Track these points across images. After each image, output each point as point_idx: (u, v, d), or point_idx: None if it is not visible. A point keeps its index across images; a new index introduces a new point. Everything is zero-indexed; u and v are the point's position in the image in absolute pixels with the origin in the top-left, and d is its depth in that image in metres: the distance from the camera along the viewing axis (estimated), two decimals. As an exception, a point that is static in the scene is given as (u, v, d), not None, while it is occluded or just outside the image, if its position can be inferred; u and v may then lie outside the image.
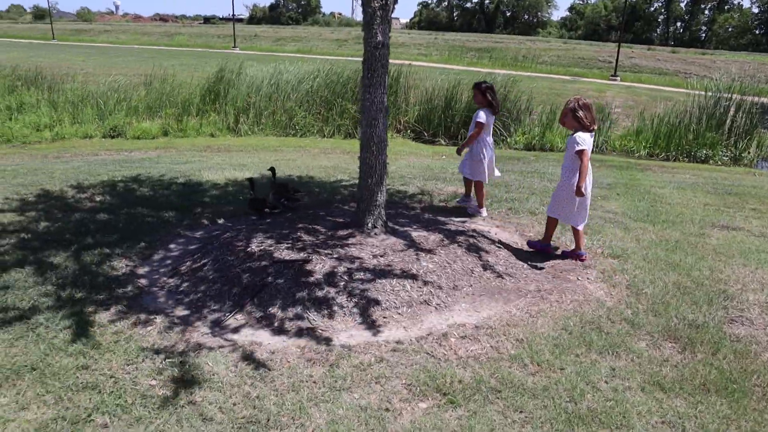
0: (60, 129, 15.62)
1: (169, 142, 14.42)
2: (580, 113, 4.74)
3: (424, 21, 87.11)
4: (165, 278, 4.32)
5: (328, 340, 3.50)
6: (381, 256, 4.33)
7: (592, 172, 4.90)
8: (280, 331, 3.59)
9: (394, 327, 3.69)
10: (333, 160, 10.45)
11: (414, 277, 4.15)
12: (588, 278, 4.68)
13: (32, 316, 3.64)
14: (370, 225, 4.76)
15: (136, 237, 5.14)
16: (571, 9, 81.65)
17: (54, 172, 8.28)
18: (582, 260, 5.02)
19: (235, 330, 3.59)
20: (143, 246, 4.93)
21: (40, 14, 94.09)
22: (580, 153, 4.69)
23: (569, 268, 4.87)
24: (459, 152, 6.39)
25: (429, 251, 4.55)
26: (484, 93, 5.92)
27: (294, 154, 11.61)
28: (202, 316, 3.74)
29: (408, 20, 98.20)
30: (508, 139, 15.45)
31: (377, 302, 3.84)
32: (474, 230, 5.40)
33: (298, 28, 59.87)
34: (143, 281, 4.27)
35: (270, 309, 3.75)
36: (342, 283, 3.96)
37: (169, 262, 4.64)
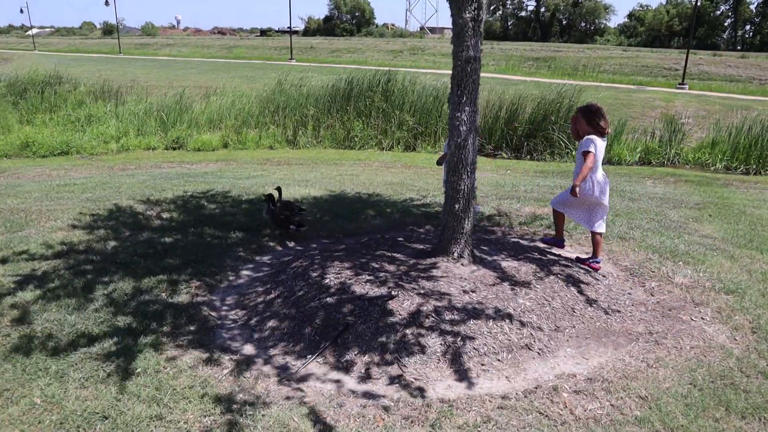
0: (125, 141, 15.90)
1: (229, 155, 14.43)
2: (595, 119, 4.66)
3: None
4: (236, 310, 4.03)
5: (422, 392, 3.10)
6: (472, 292, 3.91)
7: (608, 180, 4.81)
8: (366, 378, 3.21)
9: (494, 376, 3.26)
10: (397, 175, 10.10)
11: (510, 316, 3.71)
12: (703, 318, 4.13)
13: (99, 352, 3.39)
14: (456, 254, 4.35)
15: (204, 261, 4.89)
16: (630, 16, 79.19)
17: (120, 186, 8.23)
18: (595, 269, 4.81)
19: (311, 378, 3.23)
20: (212, 271, 4.67)
21: (108, 30, 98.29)
22: (586, 155, 4.59)
23: (678, 305, 4.33)
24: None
25: (524, 285, 4.10)
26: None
27: (355, 168, 11.31)
28: (277, 359, 3.41)
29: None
30: (573, 153, 14.78)
31: (474, 346, 3.42)
32: (566, 259, 4.91)
33: (352, 40, 60.15)
34: (213, 313, 3.99)
35: (353, 353, 3.38)
36: (432, 324, 3.56)
37: (238, 291, 4.36)
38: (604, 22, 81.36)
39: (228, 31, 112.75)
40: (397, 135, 15.15)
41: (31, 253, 5.12)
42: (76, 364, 3.26)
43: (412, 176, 9.87)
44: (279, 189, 5.96)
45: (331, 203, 6.94)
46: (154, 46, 59.75)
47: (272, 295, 4.08)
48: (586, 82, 26.45)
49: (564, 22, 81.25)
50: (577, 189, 4.59)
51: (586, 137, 4.67)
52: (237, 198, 7.32)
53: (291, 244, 5.40)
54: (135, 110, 17.48)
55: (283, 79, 17.80)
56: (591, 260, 4.88)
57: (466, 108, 4.16)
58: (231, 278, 4.57)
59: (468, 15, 4.07)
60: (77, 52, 55.82)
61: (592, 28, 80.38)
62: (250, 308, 3.99)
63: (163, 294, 4.20)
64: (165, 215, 6.48)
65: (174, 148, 15.59)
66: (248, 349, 3.51)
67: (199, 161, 13.15)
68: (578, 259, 4.97)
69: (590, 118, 4.67)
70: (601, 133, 4.67)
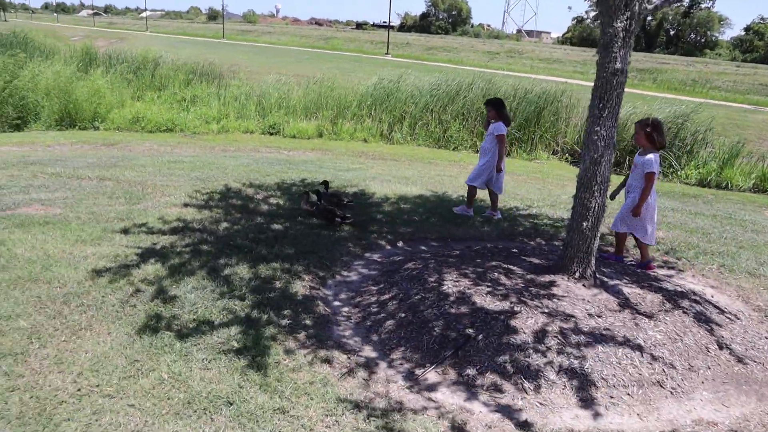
0: (226, 122, 16.47)
1: (324, 144, 14.63)
2: (654, 134, 4.76)
3: (577, 37, 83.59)
4: (349, 307, 4.00)
5: (547, 418, 2.93)
6: (598, 317, 3.69)
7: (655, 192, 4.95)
8: (487, 396, 3.08)
9: (624, 412, 3.05)
10: (495, 180, 9.85)
11: (640, 348, 3.47)
12: None
13: (221, 335, 3.45)
14: (577, 274, 4.13)
15: (315, 252, 4.91)
16: (747, 29, 73.99)
17: (226, 167, 8.48)
18: (650, 269, 5.00)
19: (435, 388, 3.14)
20: (323, 264, 4.67)
21: (213, 15, 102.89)
22: (649, 175, 4.74)
23: (825, 356, 3.91)
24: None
25: (650, 316, 3.83)
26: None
27: (450, 168, 11.16)
28: (395, 364, 3.34)
29: (560, 35, 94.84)
30: (679, 172, 13.95)
31: (602, 376, 3.22)
32: (693, 291, 4.57)
33: (448, 38, 59.73)
34: (327, 308, 3.98)
35: (472, 369, 3.26)
36: (557, 346, 3.38)
37: (351, 287, 4.33)
38: (717, 35, 76.54)
39: (324, 22, 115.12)
40: (494, 139, 14.87)
41: (149, 227, 5.33)
42: (199, 344, 3.33)
43: (511, 183, 9.60)
44: (326, 183, 6.16)
45: (436, 204, 6.83)
46: (254, 33, 61.84)
47: (386, 296, 4.03)
48: (694, 98, 24.95)
49: (671, 33, 77.18)
50: (641, 210, 4.83)
51: (651, 155, 4.78)
52: (343, 189, 7.35)
53: (399, 244, 5.34)
54: (236, 94, 18.08)
55: (381, 73, 17.87)
56: (644, 264, 5.06)
57: (607, 123, 3.93)
58: (343, 273, 4.56)
59: (619, 24, 3.83)
60: (184, 35, 58.65)
61: (703, 40, 75.83)
62: (365, 307, 3.95)
63: (278, 282, 4.24)
64: (272, 200, 6.60)
65: (270, 134, 15.99)
66: (366, 350, 3.47)
67: (295, 148, 13.41)
68: (639, 265, 5.07)
69: (651, 132, 4.78)
70: (659, 149, 4.84)
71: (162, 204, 6.15)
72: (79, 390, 2.87)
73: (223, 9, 75.88)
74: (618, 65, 3.86)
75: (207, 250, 4.79)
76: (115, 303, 3.78)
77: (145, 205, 6.08)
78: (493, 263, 4.45)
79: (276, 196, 6.83)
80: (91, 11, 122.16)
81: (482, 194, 7.06)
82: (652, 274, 4.92)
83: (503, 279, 4.11)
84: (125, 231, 5.18)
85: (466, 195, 6.81)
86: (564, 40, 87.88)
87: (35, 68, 16.45)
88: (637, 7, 3.81)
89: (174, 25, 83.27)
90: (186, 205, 6.13)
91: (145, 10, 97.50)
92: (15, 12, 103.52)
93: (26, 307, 3.68)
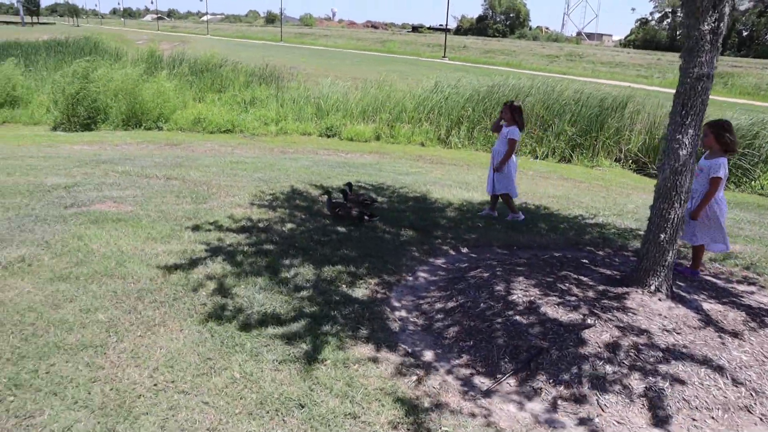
0: (284, 124, 16.75)
1: (381, 147, 14.69)
2: (726, 135, 4.54)
3: (640, 40, 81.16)
4: (415, 313, 3.98)
5: (625, 438, 2.83)
6: (675, 333, 3.54)
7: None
8: (555, 411, 3.00)
9: (708, 436, 2.91)
10: (557, 187, 9.66)
11: (722, 369, 3.30)
12: None
13: (290, 336, 3.49)
14: (653, 287, 3.98)
15: (378, 256, 4.91)
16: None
17: (288, 169, 8.62)
18: (696, 276, 4.85)
19: (507, 399, 3.07)
20: (387, 268, 4.67)
21: (271, 18, 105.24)
22: (715, 180, 4.53)
23: None
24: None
25: (734, 335, 3.65)
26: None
27: (511, 174, 10.98)
28: (464, 373, 3.29)
29: (622, 38, 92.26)
30: (753, 183, 13.31)
31: (683, 396, 3.08)
32: (778, 309, 4.32)
33: (505, 41, 59.06)
34: (393, 313, 3.97)
35: (543, 380, 3.18)
36: (632, 362, 3.26)
37: (415, 293, 4.31)
38: (795, 37, 72.76)
39: (380, 25, 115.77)
40: (553, 144, 14.56)
41: (216, 226, 5.47)
42: (268, 345, 3.38)
43: (574, 190, 9.39)
44: (349, 184, 6.32)
45: (499, 211, 6.74)
46: (311, 36, 62.87)
47: (453, 303, 3.99)
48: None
49: (744, 34, 73.90)
50: (699, 214, 4.66)
51: (718, 159, 4.59)
52: (402, 193, 7.37)
53: (464, 250, 5.29)
54: (294, 96, 18.39)
55: (439, 77, 17.82)
56: (692, 271, 4.92)
57: (689, 130, 3.77)
58: (408, 279, 4.55)
59: (706, 27, 3.67)
60: (243, 38, 60.22)
61: (779, 43, 72.25)
62: (431, 314, 3.93)
63: (343, 286, 4.27)
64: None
65: (328, 136, 16.18)
66: (435, 357, 3.43)
67: (353, 151, 13.51)
68: (688, 271, 4.94)
69: (721, 133, 4.56)
70: (731, 152, 4.64)
71: (227, 204, 6.30)
72: (155, 385, 2.95)
73: (281, 12, 77.56)
74: (704, 69, 3.70)
75: (272, 250, 4.87)
76: (186, 300, 3.88)
77: (211, 205, 6.24)
78: (563, 273, 4.34)
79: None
80: (155, 15, 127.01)
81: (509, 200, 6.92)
82: (727, 286, 4.70)
83: (574, 290, 4.00)
84: (193, 229, 5.32)
85: (529, 202, 6.69)
86: (627, 43, 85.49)
87: (107, 72, 17.17)
88: (726, 9, 3.65)
89: (233, 28, 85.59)
90: (251, 204, 6.26)
91: (206, 13, 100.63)
92: (86, 17, 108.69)
93: (103, 301, 3.83)
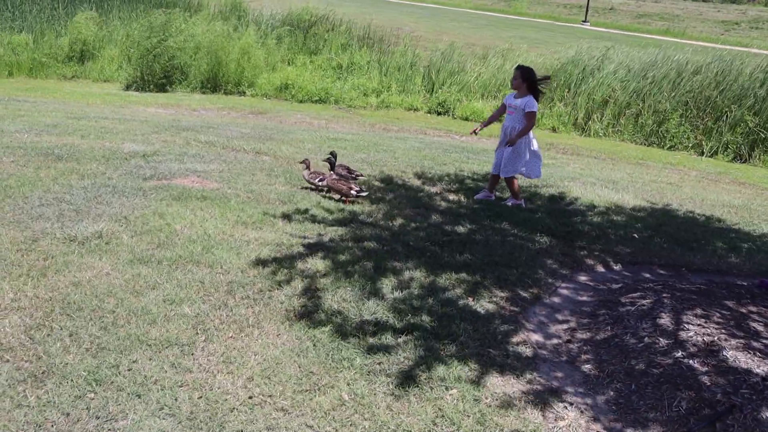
0: (386, 97, 16.87)
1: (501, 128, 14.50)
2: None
3: None
4: (556, 340, 3.85)
5: None
6: None
7: None
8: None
9: None
10: (733, 194, 9.09)
11: None
12: None
13: (406, 355, 3.47)
14: None
15: (509, 265, 4.81)
16: None
17: (395, 151, 8.65)
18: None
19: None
20: (522, 282, 4.56)
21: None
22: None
23: None
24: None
25: None
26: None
27: (669, 174, 10.49)
28: (625, 425, 3.14)
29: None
30: None
31: None
32: None
33: (665, 2, 55.92)
34: (531, 337, 3.86)
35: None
36: None
37: (556, 315, 4.17)
38: None
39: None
40: (727, 138, 13.72)
41: (313, 215, 5.56)
42: (381, 363, 3.38)
43: (756, 200, 8.79)
44: (333, 153, 6.32)
45: (659, 220, 6.43)
46: (421, -10, 62.89)
47: (604, 334, 3.82)
48: None
49: None
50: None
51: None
52: (532, 190, 7.20)
53: (616, 267, 5.07)
54: (400, 63, 18.45)
55: (579, 47, 17.27)
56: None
57: None
58: (547, 296, 4.42)
59: None
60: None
61: None
62: (575, 343, 3.78)
63: (469, 298, 4.20)
64: (451, 197, 6.61)
65: (438, 113, 16.14)
66: (584, 399, 3.30)
67: (467, 133, 13.39)
68: None
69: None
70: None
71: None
72: (250, 398, 3.02)
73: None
74: None
75: (379, 249, 4.89)
76: (283, 300, 3.97)
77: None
78: (753, 308, 4.05)
79: (455, 191, 6.84)
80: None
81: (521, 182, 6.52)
82: None
83: (763, 331, 3.72)
84: (288, 216, 5.45)
85: (698, 211, 6.35)
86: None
87: (188, 26, 17.92)
88: None
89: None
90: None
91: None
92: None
93: (189, 292, 3.98)
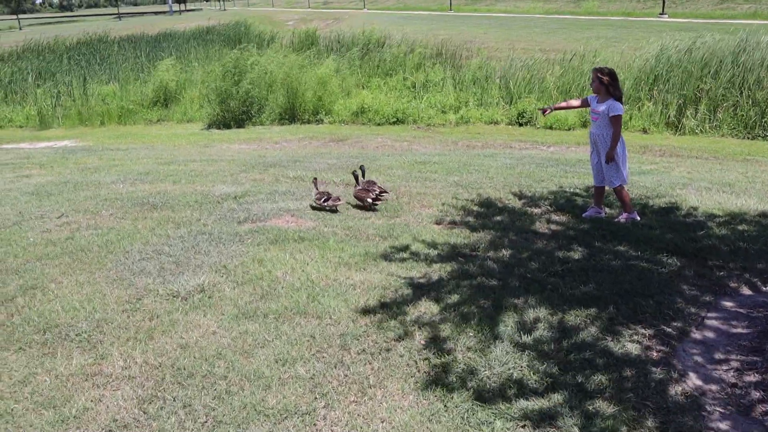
0: (465, 112, 16.47)
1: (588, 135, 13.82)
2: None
3: None
4: (718, 386, 3.33)
5: None
6: None
7: None
8: None
9: None
10: None
11: None
12: None
13: (549, 413, 3.05)
14: None
15: (641, 293, 4.29)
16: None
17: (488, 170, 8.24)
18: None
19: None
20: (659, 315, 4.04)
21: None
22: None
23: None
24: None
25: None
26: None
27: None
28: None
29: None
30: None
31: None
32: None
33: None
34: (689, 382, 3.36)
35: None
36: None
37: (711, 352, 3.65)
38: None
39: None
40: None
41: (415, 250, 5.21)
42: (525, 426, 2.97)
43: None
44: (362, 168, 6.64)
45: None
46: (486, 1, 62.34)
47: (778, 373, 3.29)
48: None
49: None
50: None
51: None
52: (645, 202, 6.63)
53: (766, 288, 4.48)
54: (475, 76, 18.01)
55: (664, 40, 16.37)
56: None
57: None
58: (692, 330, 3.89)
59: None
60: (405, 10, 61.44)
61: None
62: (743, 387, 3.26)
63: (604, 338, 3.74)
64: (556, 217, 6.14)
65: (520, 124, 15.62)
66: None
67: (556, 143, 12.84)
68: None
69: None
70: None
71: (425, 218, 6.06)
72: (385, 476, 2.68)
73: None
74: None
75: (494, 285, 4.48)
76: (402, 353, 3.62)
77: (405, 219, 6.04)
78: None
79: (558, 211, 6.36)
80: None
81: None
82: None
83: None
84: (390, 254, 5.12)
85: None
86: None
87: (261, 62, 18.03)
88: None
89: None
90: (453, 224, 5.94)
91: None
92: (233, 0, 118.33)
93: (301, 349, 3.69)
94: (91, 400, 3.29)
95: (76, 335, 3.94)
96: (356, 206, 6.51)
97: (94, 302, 4.37)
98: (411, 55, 20.52)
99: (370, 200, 6.28)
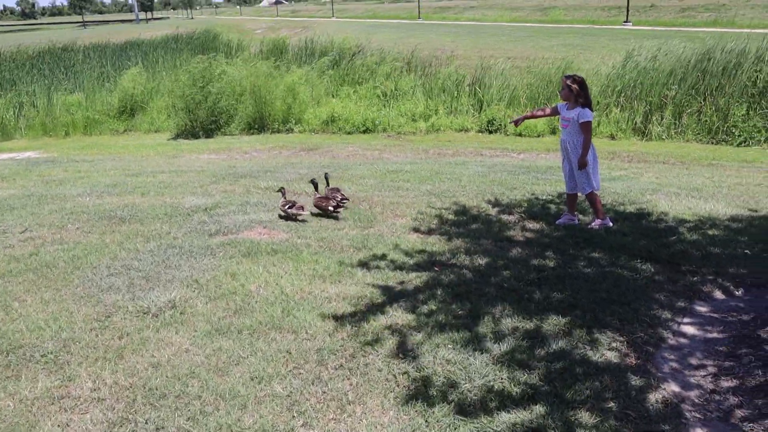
0: (435, 120, 16.51)
1: (559, 143, 13.94)
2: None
3: None
4: (697, 392, 3.33)
5: None
6: None
7: None
8: None
9: None
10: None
11: None
12: None
13: (533, 426, 3.01)
14: None
15: (618, 301, 4.29)
16: None
17: (460, 178, 8.23)
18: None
19: None
20: (635, 319, 4.05)
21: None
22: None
23: None
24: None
25: None
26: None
27: (749, 173, 9.78)
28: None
29: None
30: None
31: None
32: None
33: (710, -8, 54.43)
34: (668, 388, 3.34)
35: None
36: None
37: (686, 357, 3.65)
38: None
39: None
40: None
41: (391, 260, 5.16)
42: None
43: None
44: (326, 175, 6.85)
45: (765, 230, 5.82)
46: (454, 9, 62.85)
47: (758, 379, 3.29)
48: None
49: None
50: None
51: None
52: (616, 208, 6.67)
53: (738, 293, 4.51)
54: (445, 84, 18.07)
55: (628, 47, 16.60)
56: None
57: None
58: (668, 337, 3.89)
59: None
60: (374, 18, 61.61)
61: None
62: (721, 393, 3.26)
63: (581, 346, 3.72)
64: (531, 225, 6.14)
65: (490, 131, 15.71)
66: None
67: (526, 150, 12.92)
68: None
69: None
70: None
71: (399, 228, 6.01)
72: (367, 496, 2.61)
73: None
74: None
75: (469, 293, 4.45)
76: (380, 366, 3.55)
77: (379, 230, 5.98)
78: None
79: (532, 218, 6.36)
80: (272, 1, 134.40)
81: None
82: None
83: None
84: (365, 264, 5.06)
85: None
86: None
87: (229, 71, 17.85)
88: None
89: (362, 7, 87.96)
90: (428, 232, 5.90)
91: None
92: (200, 8, 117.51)
93: (277, 366, 3.61)
94: (58, 425, 3.15)
95: (42, 356, 3.79)
96: (317, 215, 6.48)
97: (61, 321, 4.22)
98: (382, 64, 20.49)
99: (331, 208, 6.30)
